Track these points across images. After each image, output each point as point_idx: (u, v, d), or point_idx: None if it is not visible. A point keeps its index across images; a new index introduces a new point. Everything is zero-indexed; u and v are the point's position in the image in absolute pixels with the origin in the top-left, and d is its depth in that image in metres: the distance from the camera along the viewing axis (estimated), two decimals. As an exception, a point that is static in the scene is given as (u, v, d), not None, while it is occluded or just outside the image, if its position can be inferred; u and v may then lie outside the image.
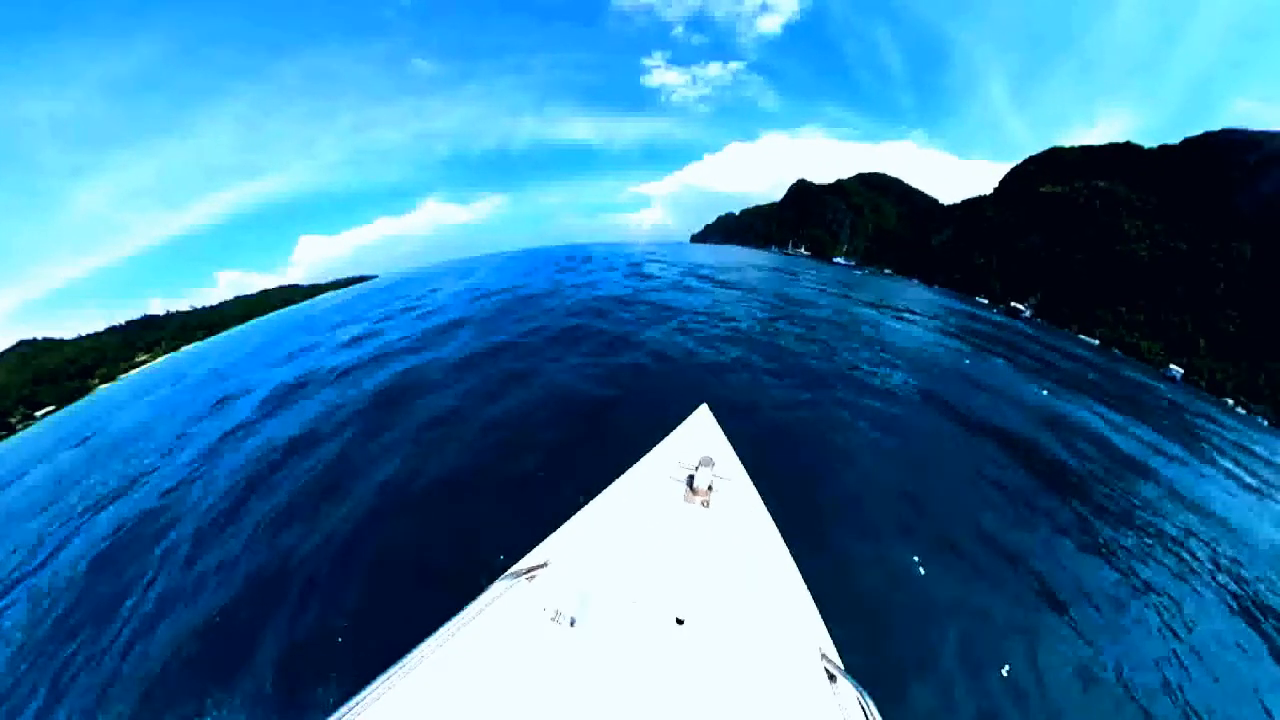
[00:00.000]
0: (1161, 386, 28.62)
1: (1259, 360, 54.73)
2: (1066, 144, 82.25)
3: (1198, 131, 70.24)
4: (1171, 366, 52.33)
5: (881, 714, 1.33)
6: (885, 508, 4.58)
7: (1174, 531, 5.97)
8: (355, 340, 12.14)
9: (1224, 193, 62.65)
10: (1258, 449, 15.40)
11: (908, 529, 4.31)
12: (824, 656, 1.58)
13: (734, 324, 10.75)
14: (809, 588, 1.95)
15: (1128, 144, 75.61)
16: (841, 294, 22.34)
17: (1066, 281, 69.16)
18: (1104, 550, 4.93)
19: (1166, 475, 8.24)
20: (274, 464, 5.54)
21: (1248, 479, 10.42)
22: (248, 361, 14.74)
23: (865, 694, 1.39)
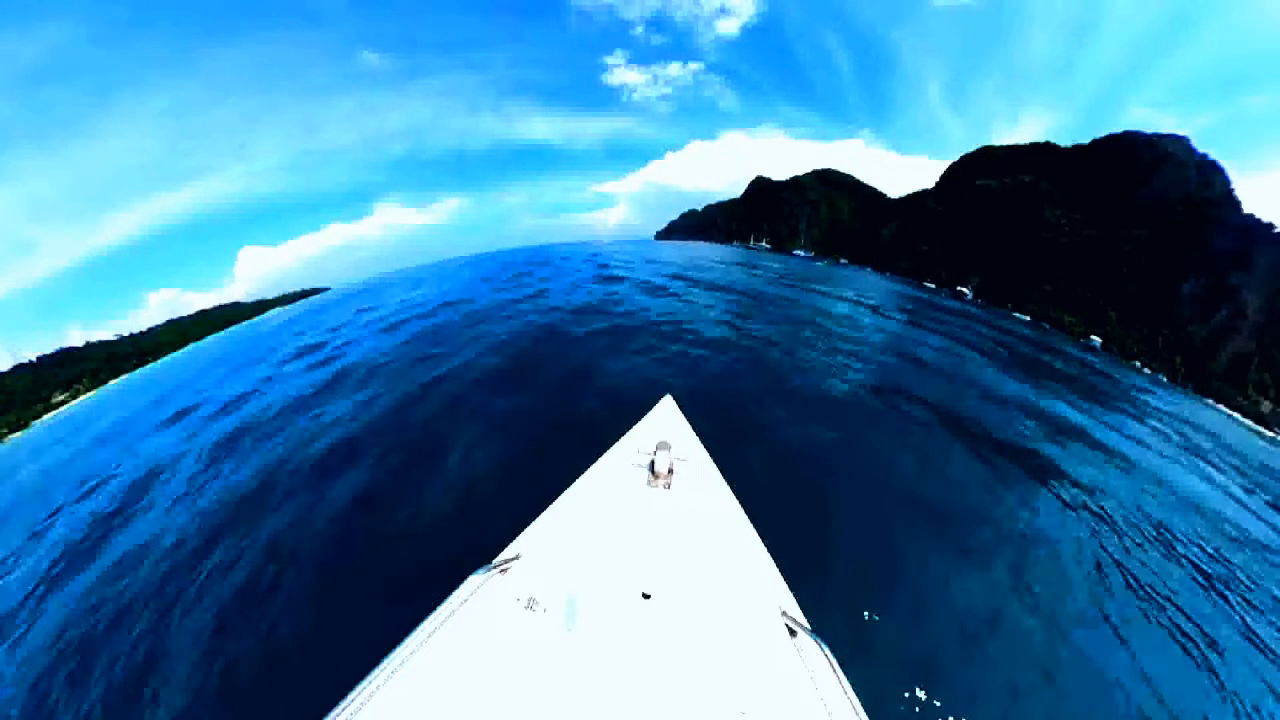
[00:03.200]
0: (1090, 358, 32.66)
1: (1157, 328, 63.78)
2: (996, 143, 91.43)
3: (1104, 133, 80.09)
4: (1092, 337, 60.14)
5: (840, 662, 1.44)
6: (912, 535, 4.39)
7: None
8: (263, 383, 10.54)
9: (1126, 186, 72.15)
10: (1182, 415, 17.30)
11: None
12: (785, 614, 1.69)
13: (710, 336, 9.49)
14: (772, 552, 2.06)
15: (1047, 143, 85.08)
16: (809, 288, 22.02)
17: (1000, 265, 76.76)
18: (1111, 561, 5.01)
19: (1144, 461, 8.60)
20: (93, 630, 4.21)
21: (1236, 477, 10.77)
22: (145, 414, 12.63)
23: (824, 645, 1.50)
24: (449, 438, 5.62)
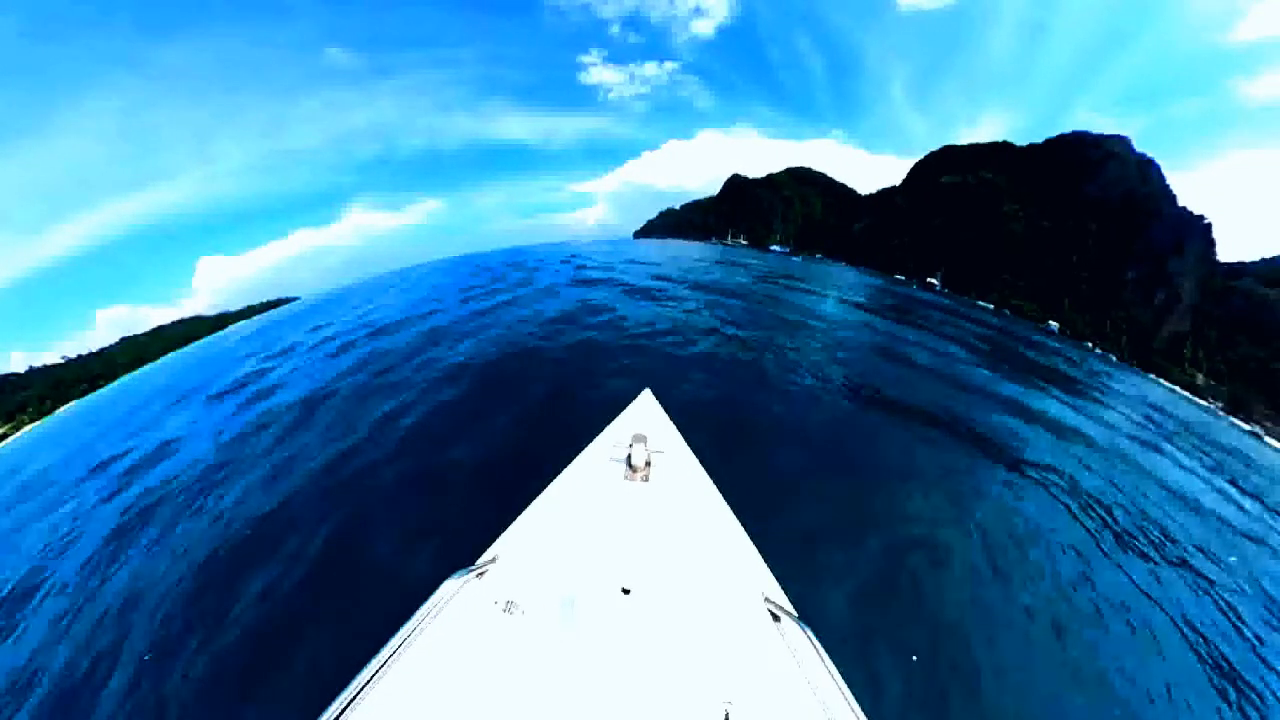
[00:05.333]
0: (1052, 343, 35.19)
1: (1105, 311, 69.03)
2: (958, 142, 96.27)
3: (1056, 134, 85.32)
4: (1050, 322, 64.64)
5: (823, 644, 1.45)
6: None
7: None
8: (192, 425, 9.74)
9: (1075, 182, 77.51)
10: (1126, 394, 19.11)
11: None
12: (768, 600, 1.69)
13: (697, 351, 8.74)
14: (754, 539, 2.06)
15: (1005, 143, 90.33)
16: (791, 286, 21.98)
17: (964, 257, 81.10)
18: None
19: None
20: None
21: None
22: (72, 463, 11.33)
23: (808, 629, 1.51)
24: (380, 512, 4.61)
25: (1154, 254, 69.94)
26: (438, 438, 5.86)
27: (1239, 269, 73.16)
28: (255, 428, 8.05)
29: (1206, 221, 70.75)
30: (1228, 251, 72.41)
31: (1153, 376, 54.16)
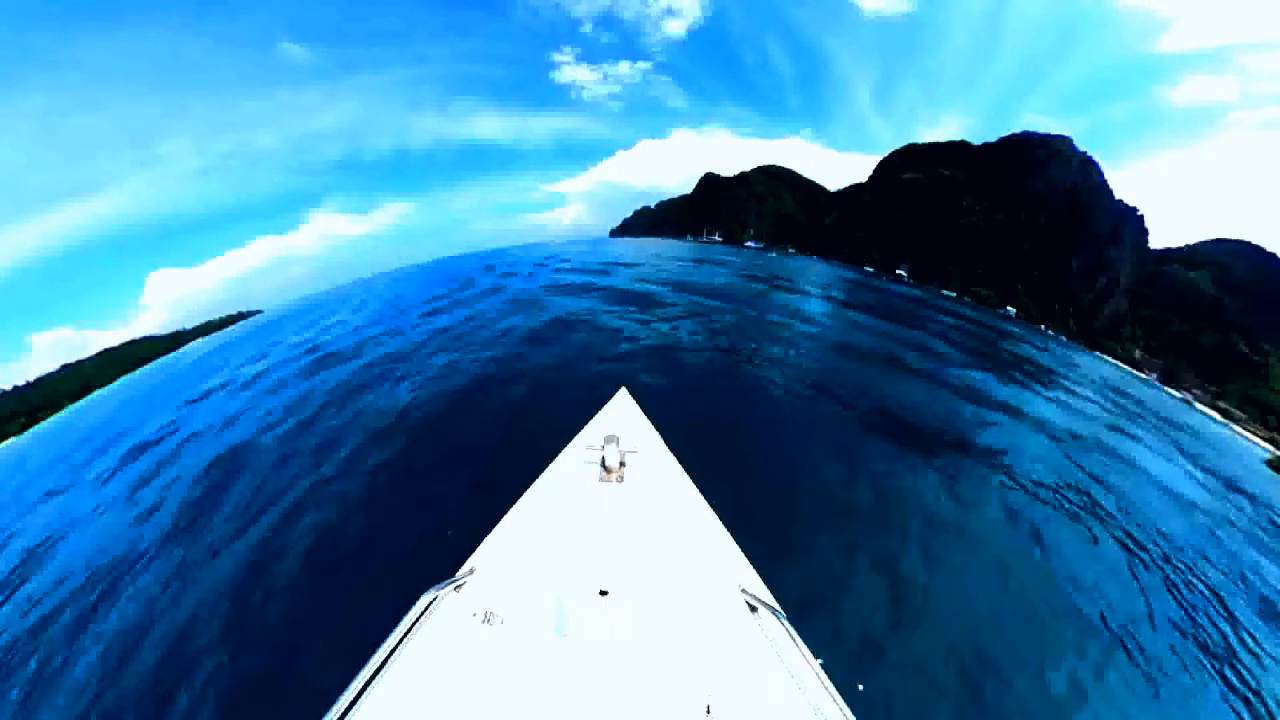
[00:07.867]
0: (1013, 328, 37.86)
1: (1055, 296, 74.78)
2: (919, 141, 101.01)
3: (1007, 133, 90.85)
4: (1008, 308, 69.43)
5: (798, 631, 1.51)
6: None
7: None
8: (98, 489, 8.57)
9: (1025, 178, 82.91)
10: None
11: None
12: (744, 591, 1.73)
13: (688, 375, 7.92)
14: (731, 531, 2.08)
15: (962, 141, 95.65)
16: (772, 283, 21.92)
17: (928, 249, 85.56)
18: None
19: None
20: None
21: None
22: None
23: (783, 617, 1.57)
24: (288, 655, 3.73)
25: (1095, 243, 76.05)
26: (361, 525, 4.63)
27: (1166, 255, 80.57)
28: (161, 500, 6.80)
29: (1140, 213, 77.63)
30: (1157, 239, 79.74)
31: (1098, 354, 59.27)
